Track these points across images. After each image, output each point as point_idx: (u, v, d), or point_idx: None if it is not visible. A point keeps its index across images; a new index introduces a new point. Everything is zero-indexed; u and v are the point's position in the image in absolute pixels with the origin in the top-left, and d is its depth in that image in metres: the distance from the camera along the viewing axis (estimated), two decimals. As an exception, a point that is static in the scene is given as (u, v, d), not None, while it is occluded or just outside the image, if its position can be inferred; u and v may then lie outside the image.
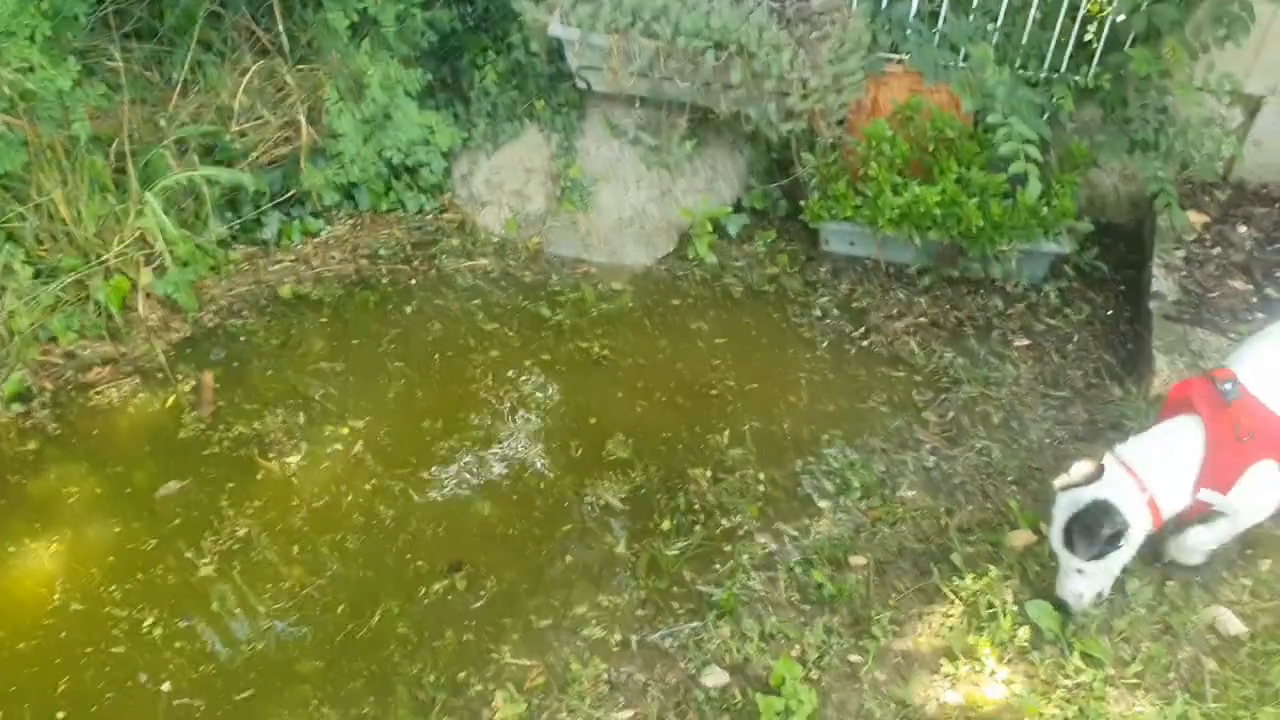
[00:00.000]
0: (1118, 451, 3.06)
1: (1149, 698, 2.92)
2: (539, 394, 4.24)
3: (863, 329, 4.60)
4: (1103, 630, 3.10)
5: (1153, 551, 3.30)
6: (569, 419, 4.15)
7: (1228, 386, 2.95)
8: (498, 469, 3.93)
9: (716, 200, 4.91)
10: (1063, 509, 3.00)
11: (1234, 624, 3.08)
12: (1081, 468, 2.97)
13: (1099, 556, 2.95)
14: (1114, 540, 2.91)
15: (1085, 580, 3.04)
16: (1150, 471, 2.97)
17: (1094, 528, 2.89)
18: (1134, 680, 2.97)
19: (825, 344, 4.53)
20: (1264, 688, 2.89)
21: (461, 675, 3.21)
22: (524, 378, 4.31)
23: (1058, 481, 3.01)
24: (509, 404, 4.19)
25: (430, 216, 5.07)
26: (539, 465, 3.94)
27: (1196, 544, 3.17)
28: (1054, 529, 3.04)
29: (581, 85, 4.72)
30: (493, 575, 3.52)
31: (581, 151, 4.88)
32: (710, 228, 4.84)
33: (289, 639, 3.33)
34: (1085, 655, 3.02)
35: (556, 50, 4.71)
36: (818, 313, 4.69)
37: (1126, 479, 2.95)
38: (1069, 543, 2.97)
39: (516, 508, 3.78)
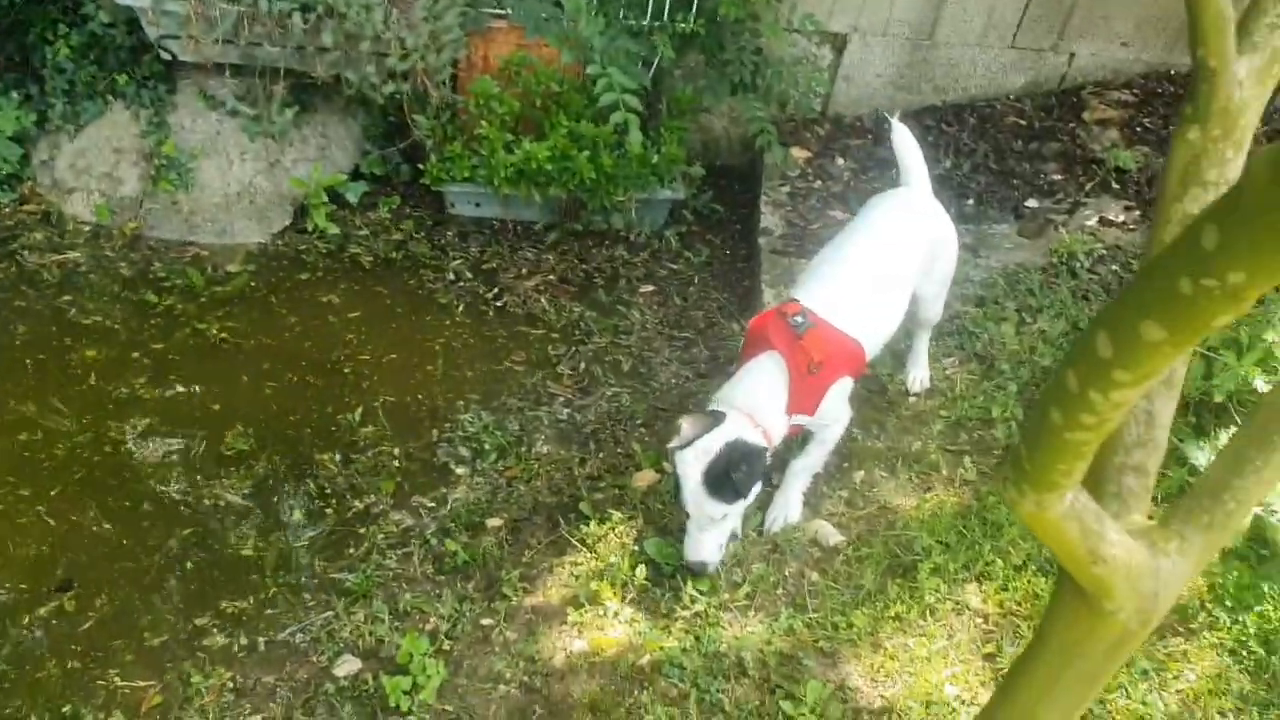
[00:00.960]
0: (720, 399, 3.13)
1: (759, 616, 3.08)
2: (153, 388, 3.93)
3: (496, 290, 4.58)
4: (716, 558, 3.23)
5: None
6: (188, 411, 3.87)
7: (798, 320, 3.08)
8: (109, 475, 3.61)
9: (331, 168, 4.71)
10: (692, 463, 2.97)
11: (833, 535, 3.30)
12: (693, 423, 2.99)
13: (745, 494, 3.02)
14: (758, 472, 3.01)
15: (724, 525, 3.08)
16: (753, 406, 3.07)
17: (739, 465, 2.93)
18: (745, 602, 3.12)
19: (461, 308, 4.47)
20: (857, 591, 3.12)
21: (67, 708, 2.93)
22: (133, 372, 3.98)
23: (673, 443, 3.00)
24: (117, 403, 3.86)
25: (8, 210, 4.55)
26: (155, 466, 3.65)
27: (794, 500, 3.34)
28: (688, 487, 2.99)
29: (166, 56, 4.36)
30: (104, 592, 3.25)
31: (175, 127, 4.53)
32: (327, 197, 4.64)
33: None
34: (699, 585, 3.15)
35: (136, 20, 4.31)
36: (451, 276, 4.62)
37: (740, 417, 3.03)
38: (716, 490, 2.96)
39: (131, 515, 3.49)
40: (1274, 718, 2.81)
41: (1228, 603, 3.03)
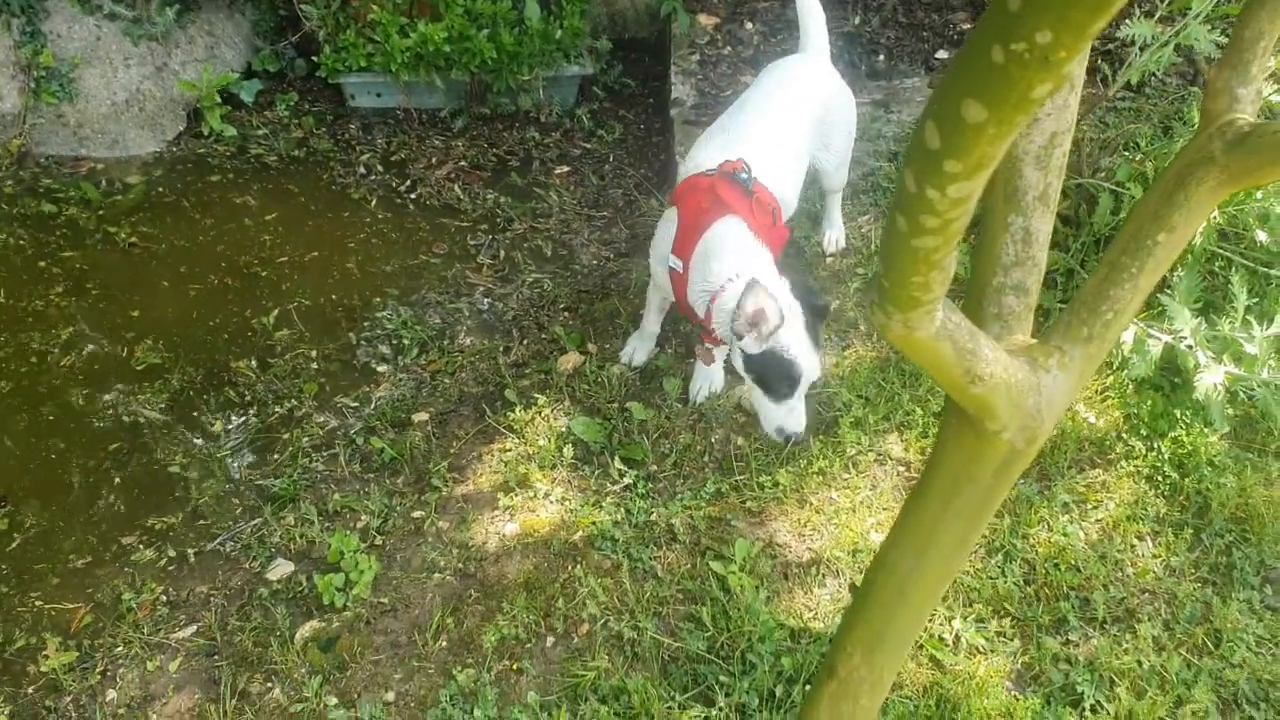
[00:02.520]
0: (708, 284, 2.90)
1: (687, 484, 3.09)
2: (68, 296, 3.83)
3: (409, 182, 4.46)
4: (642, 431, 3.23)
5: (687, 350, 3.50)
6: (110, 319, 3.77)
7: (744, 177, 2.92)
8: (37, 384, 3.53)
9: (222, 68, 4.50)
10: (799, 337, 2.72)
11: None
12: (769, 309, 2.65)
13: None
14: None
15: None
16: (766, 274, 2.83)
17: (819, 298, 2.82)
18: (673, 471, 3.13)
19: (374, 203, 4.36)
20: (780, 450, 3.14)
21: (-3, 634, 2.90)
22: (45, 284, 3.86)
23: (761, 334, 2.69)
24: (35, 315, 3.75)
25: (-123, 136, 4.33)
26: (79, 379, 3.56)
27: (716, 369, 3.28)
28: (808, 358, 2.74)
29: (30, -43, 4.11)
30: (31, 513, 3.19)
31: (51, 35, 4.28)
32: (220, 98, 4.45)
33: None
34: (626, 459, 3.15)
35: (-9, -81, 4.05)
36: (362, 171, 4.50)
37: (755, 272, 2.78)
38: (819, 337, 2.80)
39: (57, 431, 3.41)
40: (1188, 536, 2.89)
41: (1143, 431, 3.09)
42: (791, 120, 3.23)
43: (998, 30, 0.68)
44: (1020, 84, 0.71)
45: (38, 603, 2.96)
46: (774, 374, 2.76)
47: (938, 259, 0.98)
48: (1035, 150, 1.38)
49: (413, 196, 4.40)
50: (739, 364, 2.84)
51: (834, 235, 3.73)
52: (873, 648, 1.64)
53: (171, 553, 3.10)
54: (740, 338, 2.72)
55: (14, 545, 3.11)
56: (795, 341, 2.71)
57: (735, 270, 2.82)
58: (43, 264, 3.94)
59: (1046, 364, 1.34)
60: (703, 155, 3.11)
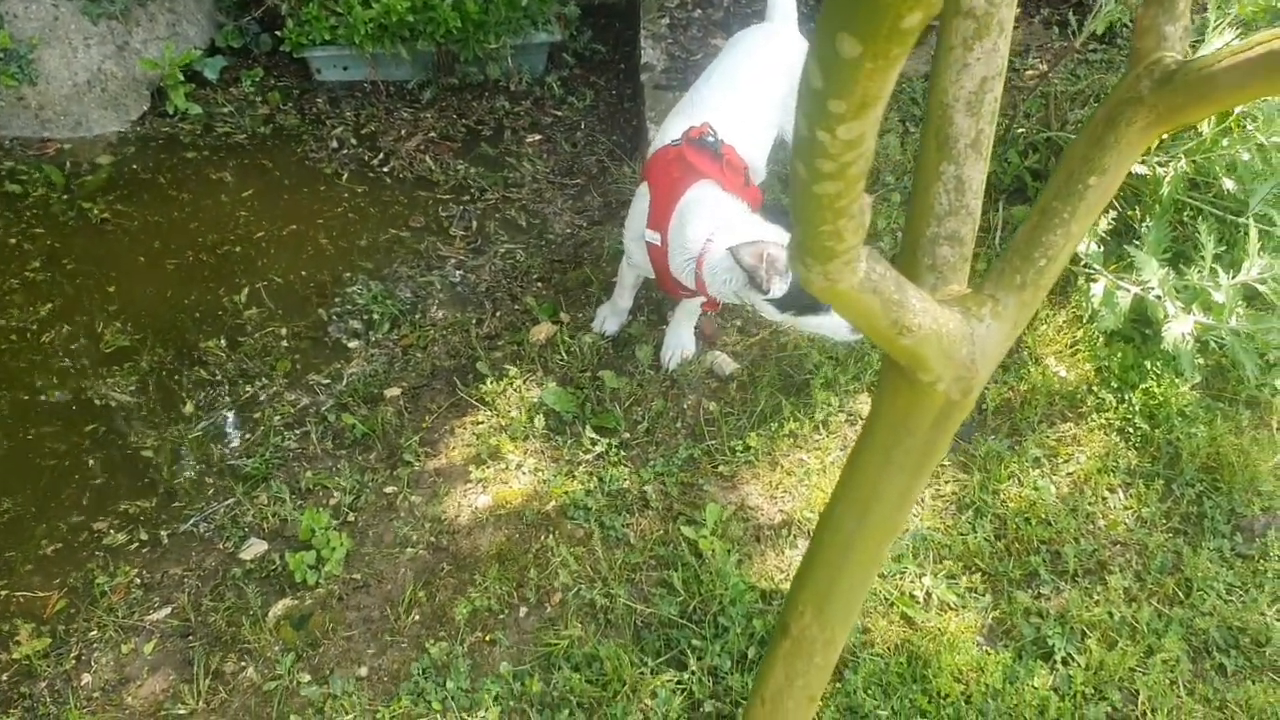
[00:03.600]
0: (685, 253, 2.84)
1: (659, 451, 3.08)
2: (45, 271, 3.81)
3: (380, 155, 4.42)
4: (614, 399, 3.21)
5: (661, 316, 3.49)
6: (84, 296, 3.75)
7: (711, 140, 2.88)
8: (18, 360, 3.53)
9: (185, 45, 4.44)
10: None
11: (728, 364, 3.28)
12: (772, 250, 2.59)
13: None
14: None
15: None
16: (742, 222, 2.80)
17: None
18: (645, 438, 3.11)
19: (346, 176, 4.32)
20: (753, 414, 3.12)
21: (-33, 622, 2.89)
22: (19, 260, 3.83)
23: (782, 271, 2.63)
24: (10, 292, 3.73)
25: None
26: (50, 361, 3.54)
27: (687, 335, 3.29)
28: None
29: (-17, -62, 4.05)
30: (3, 499, 3.18)
31: (7, 16, 4.21)
32: (184, 76, 4.39)
33: None
34: (599, 428, 3.13)
35: (-57, -100, 3.98)
36: (334, 145, 4.45)
37: (733, 223, 2.77)
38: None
39: (24, 413, 3.39)
40: (1159, 486, 2.88)
41: (1114, 384, 3.08)
42: (759, 91, 3.18)
43: (859, -42, 0.66)
44: (889, 13, 0.68)
45: (4, 590, 2.94)
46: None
47: (842, 205, 0.96)
48: (966, 96, 1.35)
49: (386, 170, 4.36)
50: (772, 314, 2.72)
51: (804, 196, 3.68)
52: (822, 606, 1.63)
53: (144, 536, 3.09)
54: (767, 292, 2.62)
55: (-13, 530, 3.11)
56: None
57: (712, 229, 2.77)
58: (14, 241, 3.91)
59: (980, 313, 1.32)
60: (671, 129, 3.06)
